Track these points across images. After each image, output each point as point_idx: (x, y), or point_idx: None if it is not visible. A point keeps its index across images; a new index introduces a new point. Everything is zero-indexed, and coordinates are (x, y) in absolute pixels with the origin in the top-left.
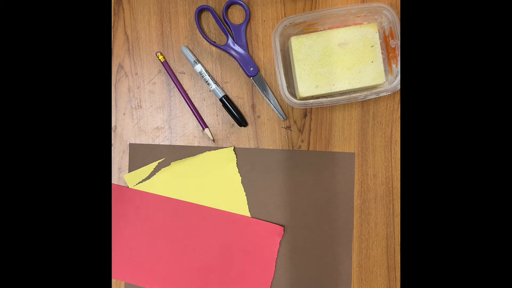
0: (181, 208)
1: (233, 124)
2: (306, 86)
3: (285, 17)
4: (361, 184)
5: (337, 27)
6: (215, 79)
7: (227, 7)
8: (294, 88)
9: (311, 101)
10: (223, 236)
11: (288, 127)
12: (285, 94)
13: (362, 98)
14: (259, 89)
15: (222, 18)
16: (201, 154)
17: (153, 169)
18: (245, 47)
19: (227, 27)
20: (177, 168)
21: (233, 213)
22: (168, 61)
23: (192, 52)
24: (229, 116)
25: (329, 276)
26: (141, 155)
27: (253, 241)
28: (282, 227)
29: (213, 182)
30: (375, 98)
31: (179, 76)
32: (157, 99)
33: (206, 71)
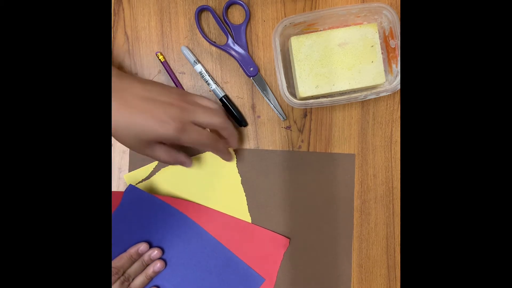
0: (181, 207)
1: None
2: (306, 86)
3: (285, 17)
4: (361, 184)
5: (337, 27)
6: (215, 79)
7: (227, 7)
8: (294, 88)
9: (311, 101)
10: (225, 239)
11: (288, 127)
12: (285, 94)
13: (362, 98)
14: (259, 89)
15: (222, 18)
16: (201, 154)
17: (153, 169)
18: (245, 47)
19: (227, 27)
20: (177, 168)
21: (239, 219)
22: (168, 61)
23: (192, 52)
24: (229, 116)
25: (329, 276)
26: (141, 155)
27: (256, 250)
28: (288, 239)
29: (213, 182)
30: (375, 98)
31: (179, 76)
32: None
33: (206, 71)
